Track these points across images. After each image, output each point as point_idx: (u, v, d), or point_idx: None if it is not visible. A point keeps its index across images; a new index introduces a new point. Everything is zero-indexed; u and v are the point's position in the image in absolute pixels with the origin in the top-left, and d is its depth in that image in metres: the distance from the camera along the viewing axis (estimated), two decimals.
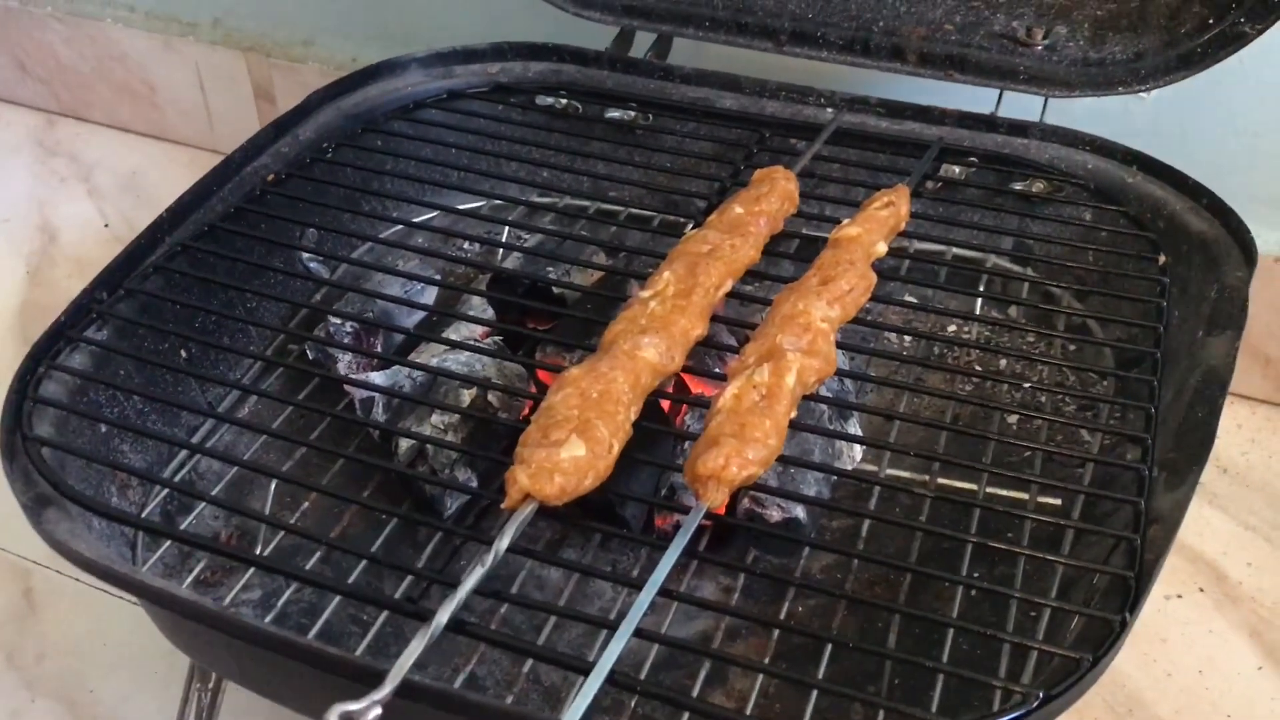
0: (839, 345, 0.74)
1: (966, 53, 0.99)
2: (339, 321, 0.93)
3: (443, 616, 0.57)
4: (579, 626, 0.79)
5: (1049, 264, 0.91)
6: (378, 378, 0.88)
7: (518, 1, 1.18)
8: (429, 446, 0.84)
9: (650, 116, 1.06)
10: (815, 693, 0.66)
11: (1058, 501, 0.79)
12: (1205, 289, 0.83)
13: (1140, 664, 0.97)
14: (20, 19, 1.62)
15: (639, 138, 1.04)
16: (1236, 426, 1.17)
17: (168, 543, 0.81)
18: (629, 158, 1.02)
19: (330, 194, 0.97)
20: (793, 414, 0.69)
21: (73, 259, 1.45)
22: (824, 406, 0.84)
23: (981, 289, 0.95)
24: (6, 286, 1.41)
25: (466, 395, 0.85)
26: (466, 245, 1.10)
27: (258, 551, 0.82)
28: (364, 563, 0.79)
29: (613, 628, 0.58)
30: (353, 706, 0.51)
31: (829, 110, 1.02)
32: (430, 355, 0.90)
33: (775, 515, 0.80)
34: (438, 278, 0.99)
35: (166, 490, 0.83)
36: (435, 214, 1.02)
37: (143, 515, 0.82)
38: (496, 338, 0.93)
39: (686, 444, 0.79)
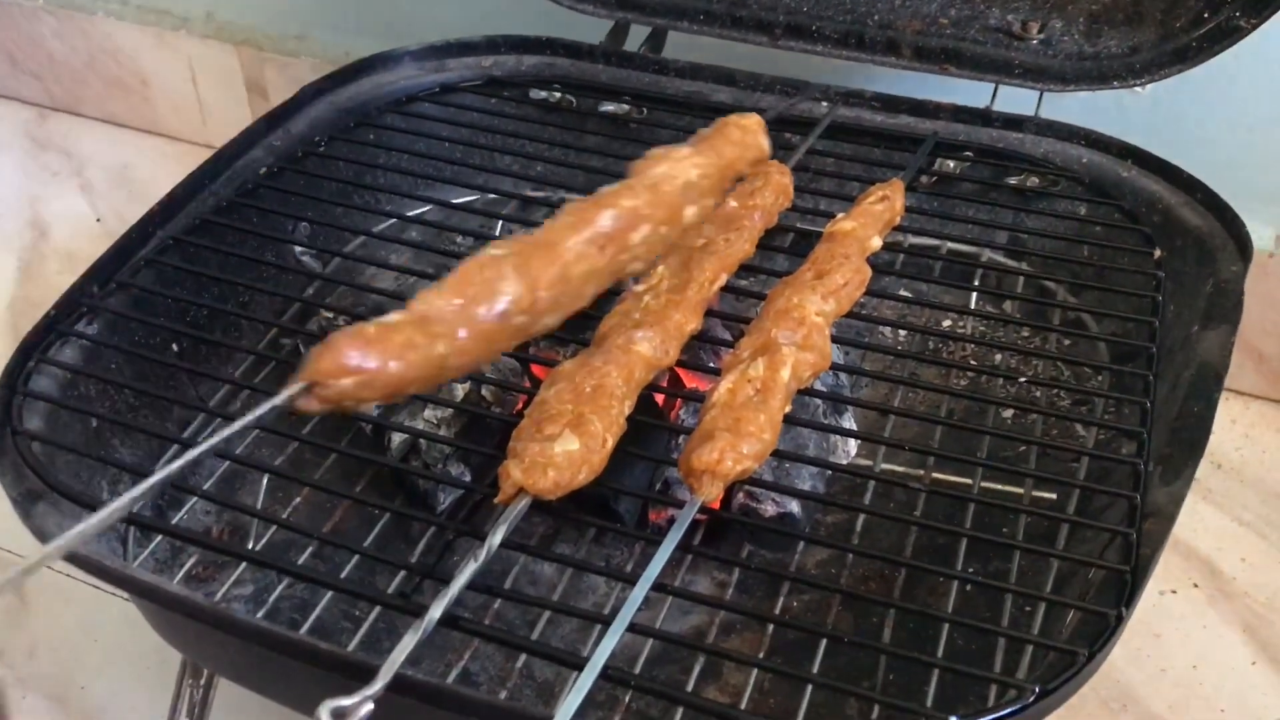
0: (834, 340, 0.74)
1: (961, 46, 0.99)
2: (331, 315, 0.93)
3: (435, 612, 0.57)
4: (573, 621, 0.79)
5: (1044, 258, 0.91)
6: None
7: None
8: (422, 441, 0.84)
9: (645, 110, 1.05)
10: (810, 687, 0.66)
11: (1053, 496, 0.79)
12: (1200, 284, 0.83)
13: (1134, 659, 0.97)
14: (11, 12, 1.61)
15: (633, 131, 1.04)
16: (1230, 422, 1.17)
17: (159, 538, 0.80)
18: (623, 151, 1.02)
19: (323, 188, 0.96)
20: (787, 408, 0.69)
21: (64, 254, 1.45)
22: (819, 401, 0.84)
23: (976, 283, 0.95)
24: None
25: (460, 389, 0.85)
26: (460, 239, 1.10)
27: (250, 546, 0.81)
28: (356, 558, 0.79)
29: (606, 623, 0.57)
30: (344, 702, 0.51)
31: (824, 104, 1.02)
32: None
33: (770, 510, 0.80)
34: (431, 272, 0.98)
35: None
36: (428, 208, 1.01)
37: (134, 510, 0.81)
38: None
39: (681, 438, 0.79)
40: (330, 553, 0.82)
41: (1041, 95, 0.98)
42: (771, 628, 0.76)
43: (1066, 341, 0.95)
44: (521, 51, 1.10)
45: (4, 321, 1.35)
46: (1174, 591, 1.02)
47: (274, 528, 0.82)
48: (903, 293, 0.97)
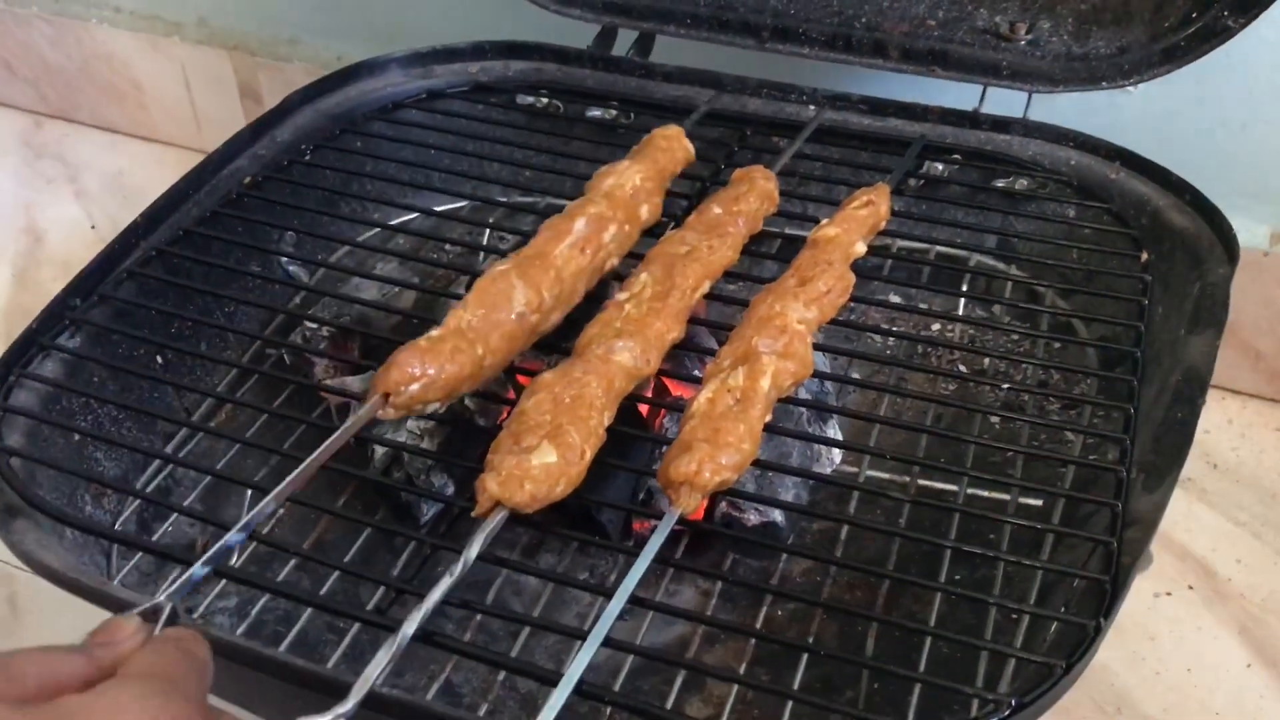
0: (819, 347, 0.74)
1: (949, 48, 0.99)
2: (315, 326, 0.92)
3: (409, 628, 0.57)
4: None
5: (1033, 262, 0.91)
6: (354, 383, 0.88)
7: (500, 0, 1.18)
8: (404, 453, 0.83)
9: (632, 115, 1.05)
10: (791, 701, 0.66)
11: (1039, 503, 0.78)
12: (1188, 286, 0.82)
13: (1129, 662, 0.96)
14: (5, 19, 1.62)
15: (621, 136, 1.03)
16: (1227, 422, 1.16)
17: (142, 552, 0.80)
18: (611, 157, 1.01)
19: (308, 197, 0.96)
20: (768, 417, 0.69)
21: (59, 262, 1.45)
22: (802, 409, 0.83)
23: (965, 288, 0.94)
24: None
25: None
26: (448, 247, 1.09)
27: (232, 561, 0.81)
28: (338, 572, 0.79)
29: (583, 637, 0.57)
30: None
31: (811, 108, 1.02)
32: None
33: (753, 520, 0.79)
34: (415, 281, 0.98)
35: (140, 499, 0.83)
36: (415, 216, 1.01)
37: (118, 524, 0.81)
38: None
39: (663, 448, 0.79)
40: (313, 566, 0.81)
41: (1030, 97, 0.97)
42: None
43: (1055, 346, 0.94)
44: (508, 57, 1.09)
45: None
46: (1169, 593, 1.01)
47: (255, 542, 0.81)
48: (891, 298, 0.97)
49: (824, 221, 0.82)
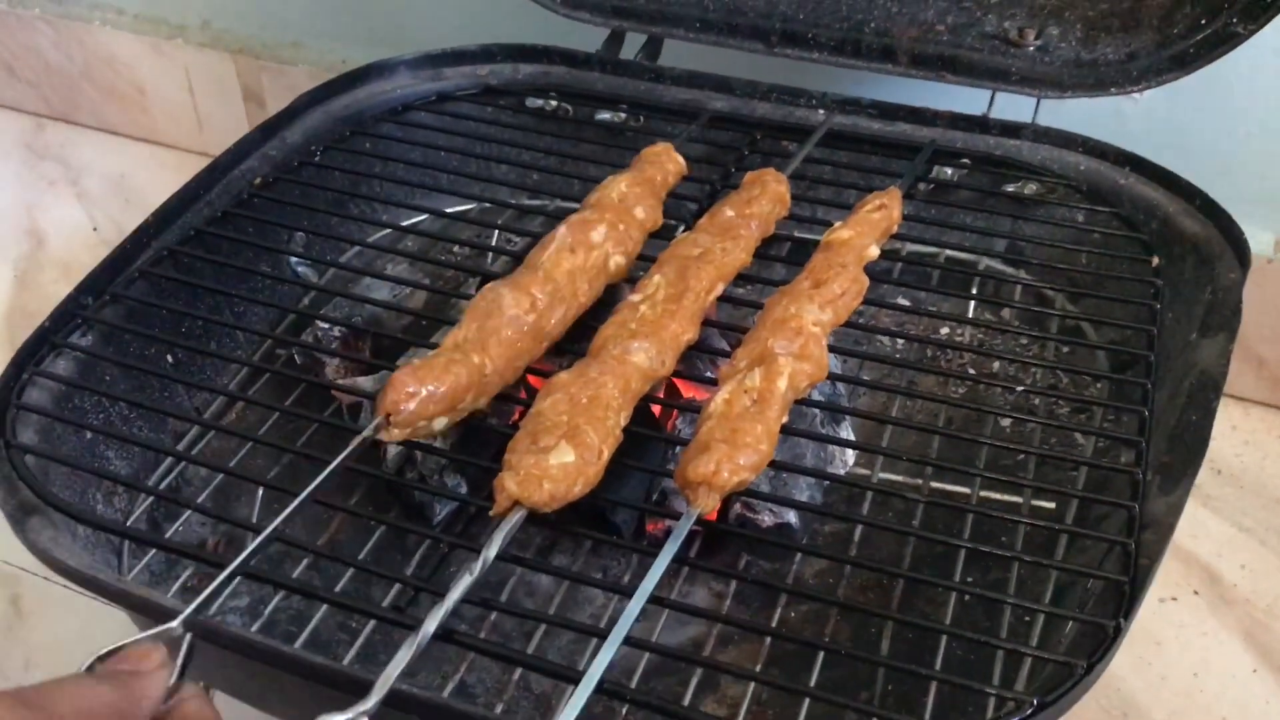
0: (831, 349, 0.74)
1: (958, 54, 0.99)
2: (326, 326, 0.92)
3: (430, 626, 0.57)
4: (570, 632, 0.78)
5: (1042, 266, 0.91)
6: (366, 383, 0.88)
7: (507, 3, 1.18)
8: (417, 453, 0.83)
9: (641, 119, 1.05)
10: (808, 700, 0.66)
11: (1051, 505, 0.78)
12: (1199, 291, 0.83)
13: (1135, 667, 0.96)
14: (8, 21, 1.61)
15: (629, 140, 1.03)
16: (1231, 428, 1.17)
17: (154, 550, 0.80)
18: (619, 160, 1.01)
19: (318, 198, 0.96)
20: (784, 419, 0.69)
21: (61, 264, 1.45)
22: (816, 410, 0.83)
23: (974, 291, 0.94)
24: None
25: None
26: (456, 249, 1.09)
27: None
28: (352, 570, 0.79)
29: (603, 636, 0.57)
30: (339, 718, 0.51)
31: (820, 112, 1.02)
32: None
33: (767, 520, 0.79)
34: (426, 281, 0.98)
35: (152, 497, 0.83)
36: (424, 217, 1.01)
37: (129, 522, 0.81)
38: None
39: (677, 449, 0.79)
40: (326, 564, 0.81)
41: (1039, 102, 0.98)
42: (769, 638, 0.76)
43: (1065, 349, 0.95)
44: (518, 60, 1.10)
45: (1, 331, 1.34)
46: (1174, 599, 1.02)
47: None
48: (900, 301, 0.97)
49: (837, 224, 0.82)
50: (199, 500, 0.82)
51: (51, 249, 1.48)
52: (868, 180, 0.94)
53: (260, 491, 0.85)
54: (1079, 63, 0.97)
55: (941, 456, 0.82)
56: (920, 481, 0.80)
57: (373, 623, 0.75)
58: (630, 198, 0.85)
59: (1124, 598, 0.61)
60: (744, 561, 0.82)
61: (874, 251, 0.82)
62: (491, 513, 0.64)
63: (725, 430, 0.66)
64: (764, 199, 0.86)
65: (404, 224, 0.99)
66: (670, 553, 0.61)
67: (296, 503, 0.63)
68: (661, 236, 0.86)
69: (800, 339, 0.72)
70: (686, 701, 0.67)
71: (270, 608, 0.77)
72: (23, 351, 0.78)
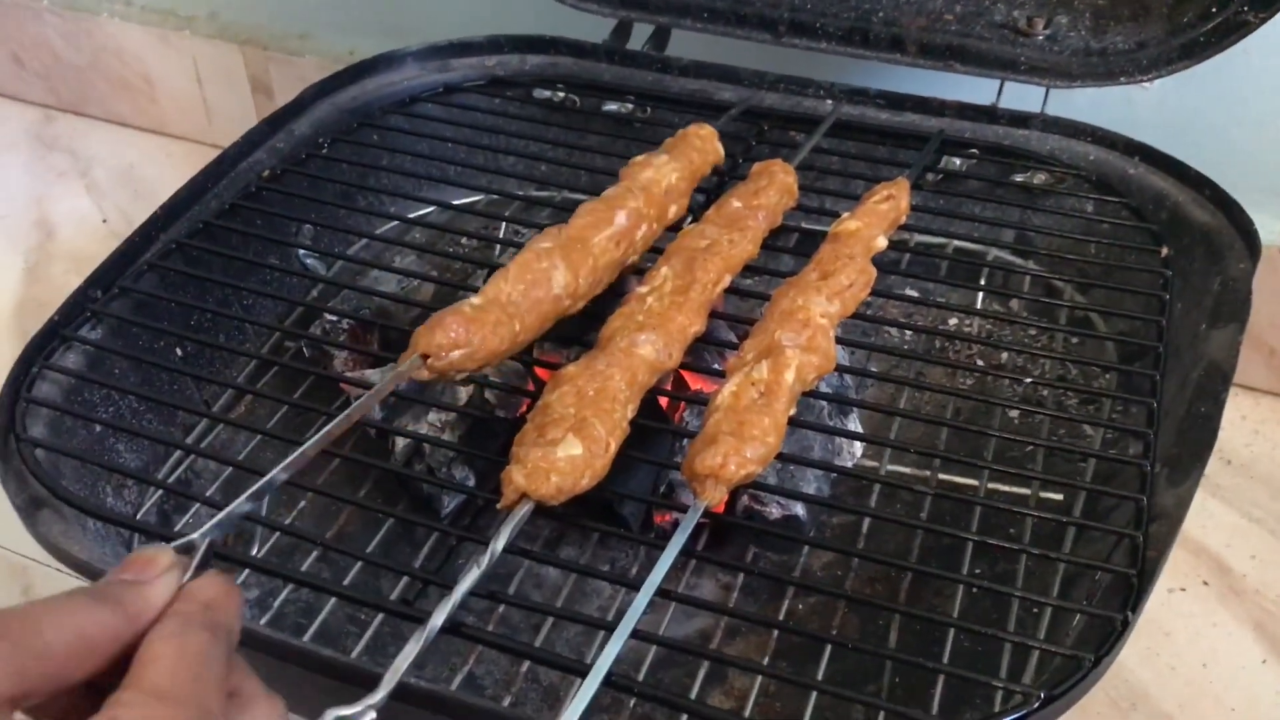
0: (838, 340, 0.74)
1: (967, 43, 0.98)
2: (335, 319, 0.92)
3: (438, 619, 0.57)
4: (577, 624, 0.78)
5: (1050, 257, 0.91)
6: (374, 375, 0.88)
7: None
8: (425, 445, 0.83)
9: (648, 109, 1.05)
10: (815, 693, 0.66)
11: (1059, 497, 0.78)
12: (1208, 281, 0.82)
13: (1144, 658, 0.96)
14: (16, 13, 1.61)
15: (637, 131, 1.03)
16: (1240, 418, 1.16)
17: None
18: (627, 151, 1.01)
19: (326, 190, 0.96)
20: (792, 411, 0.69)
21: (70, 255, 1.45)
22: (823, 403, 0.83)
23: (982, 282, 0.94)
24: (4, 283, 1.41)
25: (463, 393, 0.85)
26: (464, 241, 1.09)
27: (254, 552, 0.81)
28: (361, 562, 0.79)
29: (610, 628, 0.57)
30: (347, 711, 0.51)
31: (828, 102, 1.02)
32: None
33: (775, 513, 0.79)
34: (434, 274, 0.98)
35: (162, 490, 0.83)
36: (432, 209, 1.01)
37: (139, 515, 0.81)
38: None
39: (685, 441, 0.79)
40: (335, 557, 0.82)
41: (1048, 92, 0.97)
42: (777, 631, 0.76)
43: (1073, 340, 0.94)
44: (525, 51, 1.09)
45: (11, 324, 1.34)
46: (1183, 589, 1.01)
47: (278, 533, 0.82)
48: (909, 292, 0.97)
49: (845, 215, 0.82)
50: (208, 494, 0.82)
51: (61, 240, 1.48)
52: (875, 171, 0.93)
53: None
54: (1088, 52, 0.96)
55: (949, 448, 0.82)
56: (928, 474, 0.80)
57: (381, 615, 0.76)
58: (674, 193, 0.84)
59: (1132, 590, 0.61)
60: (751, 554, 0.82)
61: (882, 242, 0.81)
62: (499, 505, 0.64)
63: (732, 423, 0.65)
64: (771, 190, 0.85)
65: (411, 216, 0.99)
66: (678, 545, 0.61)
67: (336, 422, 0.63)
68: (669, 227, 0.86)
69: (808, 331, 0.72)
70: (694, 694, 0.67)
71: (279, 600, 0.78)
72: (32, 345, 0.78)
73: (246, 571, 0.79)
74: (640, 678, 0.70)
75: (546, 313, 0.73)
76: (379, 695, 0.52)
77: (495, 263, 1.01)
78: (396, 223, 1.00)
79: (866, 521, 0.79)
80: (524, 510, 0.63)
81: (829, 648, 0.67)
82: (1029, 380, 0.88)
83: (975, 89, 0.99)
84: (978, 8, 0.99)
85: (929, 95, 1.00)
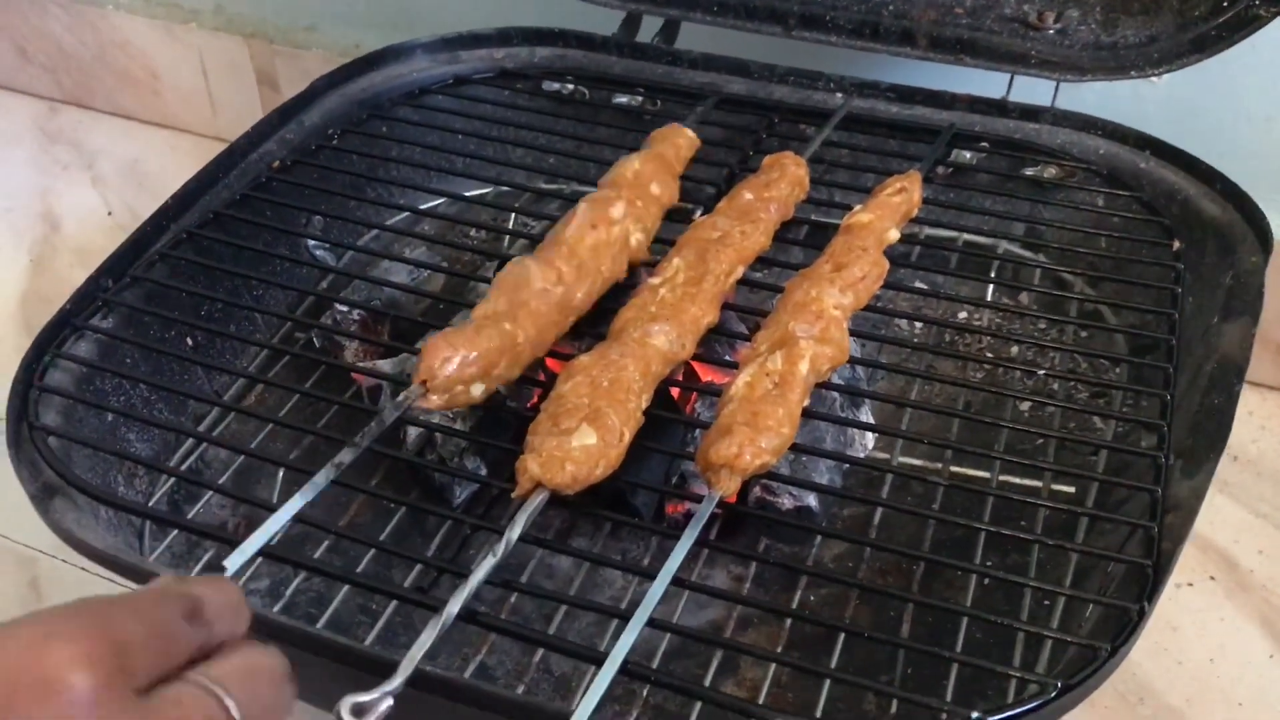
0: (850, 333, 0.74)
1: (977, 37, 0.98)
2: (345, 309, 0.92)
3: (454, 606, 0.57)
4: (589, 615, 0.78)
5: (1061, 250, 0.91)
6: (385, 365, 0.88)
7: None
8: (437, 435, 0.83)
9: (658, 102, 1.05)
10: (828, 682, 0.66)
11: (1071, 489, 0.78)
12: (1220, 275, 0.82)
13: (1151, 652, 0.96)
14: (21, 5, 1.61)
15: (647, 123, 1.03)
16: (1248, 413, 1.16)
17: (175, 531, 0.80)
18: (636, 144, 1.01)
19: (336, 181, 0.96)
20: (805, 402, 0.69)
21: (75, 248, 1.45)
22: (835, 394, 0.83)
23: (993, 275, 0.94)
24: (9, 276, 1.40)
25: None
26: (474, 232, 1.09)
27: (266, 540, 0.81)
28: (373, 551, 0.79)
29: (625, 617, 0.57)
30: (364, 698, 0.51)
31: (839, 95, 1.02)
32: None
33: (787, 503, 0.79)
34: (444, 264, 0.98)
35: (173, 479, 0.83)
36: (441, 200, 1.01)
37: (150, 504, 0.81)
38: None
39: (697, 432, 0.79)
40: (347, 546, 0.81)
41: (1058, 85, 0.97)
42: (789, 621, 0.76)
43: (1084, 334, 0.94)
44: (534, 43, 1.09)
45: (16, 316, 1.34)
46: (1190, 584, 1.02)
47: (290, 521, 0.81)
48: (919, 284, 0.97)
49: (857, 208, 0.82)
50: (220, 482, 0.82)
51: (66, 233, 1.48)
52: (886, 164, 0.93)
53: (280, 473, 0.86)
54: (1099, 46, 0.96)
55: (961, 440, 0.82)
56: (940, 465, 0.80)
57: (393, 605, 0.75)
58: (645, 174, 0.85)
59: (1147, 581, 0.61)
60: (763, 544, 0.82)
61: (894, 235, 0.81)
62: (514, 494, 0.64)
63: (747, 413, 0.65)
64: (783, 182, 0.85)
65: (421, 207, 0.99)
66: (693, 535, 0.61)
67: (351, 458, 0.65)
68: (680, 220, 0.86)
69: (821, 322, 0.72)
70: (707, 683, 0.67)
71: (291, 589, 0.78)
72: (44, 334, 0.78)
73: (259, 559, 0.79)
74: (654, 666, 0.69)
75: (538, 309, 0.73)
76: (396, 682, 0.52)
77: (505, 254, 1.01)
78: (406, 214, 1.00)
79: (879, 512, 0.79)
80: (539, 499, 0.63)
81: (842, 637, 0.67)
82: (1041, 372, 0.88)
83: (985, 83, 0.99)
84: (988, 1, 0.99)
85: (939, 89, 1.00)
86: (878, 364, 0.86)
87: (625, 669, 0.55)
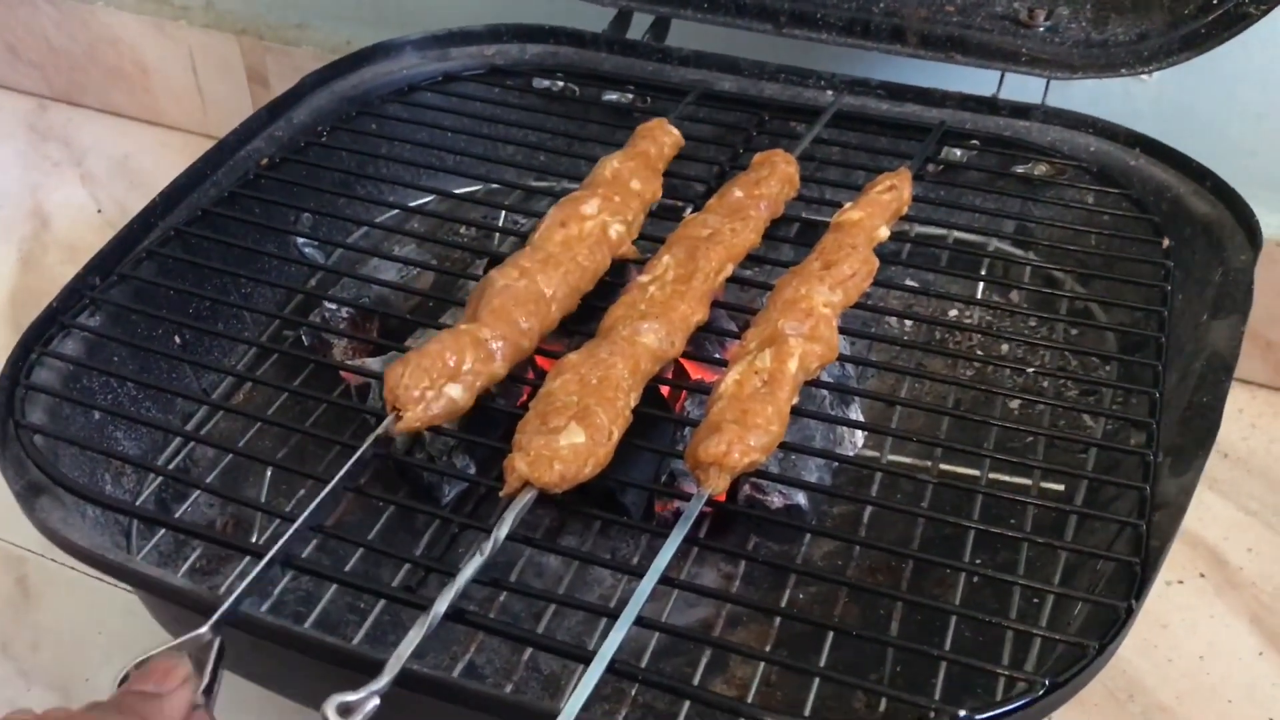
0: (840, 330, 0.74)
1: (968, 34, 0.98)
2: (334, 307, 0.92)
3: (441, 606, 0.57)
4: (578, 613, 0.78)
5: (1051, 247, 0.91)
6: (374, 363, 0.88)
7: None
8: (426, 433, 0.83)
9: (648, 99, 1.05)
10: (817, 680, 0.66)
11: (1060, 487, 0.78)
12: (1209, 273, 0.82)
13: (1141, 649, 0.96)
14: (10, 2, 1.61)
15: (637, 121, 1.03)
16: (1238, 411, 1.17)
17: (163, 530, 0.80)
18: (625, 141, 1.01)
19: (325, 178, 0.96)
20: (795, 400, 0.69)
21: (65, 245, 1.44)
22: (825, 391, 0.83)
23: (983, 273, 0.94)
24: None
25: None
26: (464, 229, 1.09)
27: (253, 539, 0.81)
28: (361, 550, 0.79)
29: (614, 616, 0.57)
30: (351, 697, 0.51)
31: (829, 93, 1.01)
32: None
33: (776, 501, 0.79)
34: (433, 262, 0.98)
35: (161, 478, 0.82)
36: (431, 198, 1.01)
37: (137, 503, 0.81)
38: None
39: (686, 430, 0.79)
40: (335, 545, 0.81)
41: (1048, 83, 0.97)
42: (779, 620, 0.76)
43: (1074, 331, 0.94)
44: (524, 40, 1.09)
45: (5, 313, 1.34)
46: (1180, 582, 1.02)
47: (277, 520, 0.81)
48: (909, 282, 0.97)
49: (847, 205, 0.82)
50: (208, 480, 0.82)
51: (56, 230, 1.47)
52: (876, 161, 0.93)
53: (269, 472, 0.85)
54: (1089, 43, 0.96)
55: (950, 438, 0.82)
56: (929, 463, 0.80)
57: (381, 604, 0.75)
58: (624, 172, 0.86)
59: (1135, 579, 0.61)
60: (753, 543, 0.82)
61: (884, 233, 0.81)
62: (502, 493, 0.63)
63: (736, 411, 0.65)
64: (773, 180, 0.85)
65: (411, 205, 0.99)
66: (681, 533, 0.61)
67: (327, 490, 0.65)
68: (670, 217, 0.86)
69: (811, 320, 0.72)
70: (696, 682, 0.67)
71: (279, 588, 0.77)
72: (31, 331, 0.78)
73: (246, 559, 0.79)
74: (642, 665, 0.69)
75: (503, 304, 0.73)
76: (383, 681, 0.52)
77: (494, 251, 1.01)
78: (396, 211, 1.00)
79: (868, 510, 0.79)
80: (527, 498, 0.63)
81: (831, 636, 0.67)
82: (1030, 370, 0.88)
83: (976, 80, 0.99)
84: None
85: (930, 86, 1.00)
86: (867, 362, 0.86)
87: (613, 668, 0.55)
